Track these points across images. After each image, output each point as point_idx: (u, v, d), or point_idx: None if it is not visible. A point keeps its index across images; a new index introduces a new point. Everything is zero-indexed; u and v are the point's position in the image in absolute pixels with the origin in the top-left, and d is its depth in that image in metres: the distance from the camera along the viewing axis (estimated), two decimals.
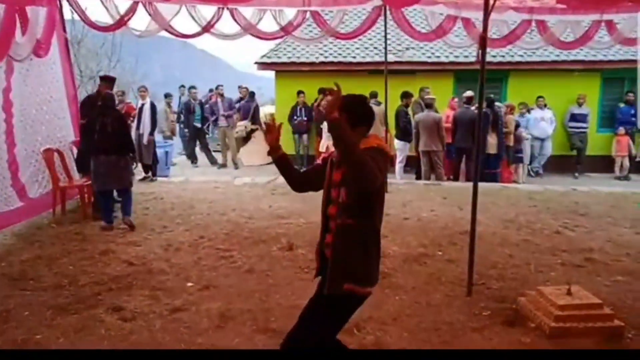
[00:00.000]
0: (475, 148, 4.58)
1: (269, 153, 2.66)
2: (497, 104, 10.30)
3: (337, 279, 2.42)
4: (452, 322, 3.77)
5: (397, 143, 10.34)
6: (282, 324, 3.68)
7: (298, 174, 2.72)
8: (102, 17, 7.70)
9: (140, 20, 7.75)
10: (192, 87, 13.07)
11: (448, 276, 4.70)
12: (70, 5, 7.25)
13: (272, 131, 2.62)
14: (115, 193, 6.49)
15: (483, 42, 4.32)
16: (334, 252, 2.45)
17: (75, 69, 9.14)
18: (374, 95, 10.51)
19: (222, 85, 13.15)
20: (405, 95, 10.36)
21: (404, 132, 10.24)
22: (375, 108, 10.45)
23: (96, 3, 7.22)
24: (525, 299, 3.98)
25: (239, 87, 13.73)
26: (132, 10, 7.39)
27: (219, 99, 12.55)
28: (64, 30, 7.82)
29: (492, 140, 9.82)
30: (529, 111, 11.27)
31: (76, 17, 7.85)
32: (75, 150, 7.38)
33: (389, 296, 4.25)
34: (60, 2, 7.28)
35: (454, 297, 4.23)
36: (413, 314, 3.92)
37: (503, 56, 11.60)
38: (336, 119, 2.16)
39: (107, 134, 6.03)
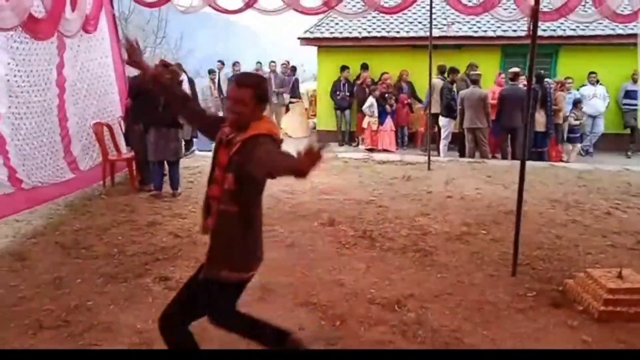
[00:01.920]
0: (525, 126, 4.42)
1: (147, 79, 2.54)
2: (546, 80, 9.92)
3: (215, 266, 2.38)
4: (496, 302, 3.72)
5: (441, 120, 10.17)
6: (323, 297, 3.73)
7: (195, 108, 2.65)
8: None
9: None
10: (236, 62, 13.19)
11: (492, 256, 4.62)
12: None
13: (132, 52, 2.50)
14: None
15: (535, 14, 4.13)
16: (214, 238, 2.39)
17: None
18: (442, 70, 10.37)
19: (274, 62, 13.27)
20: (451, 71, 10.18)
21: (448, 108, 10.04)
22: (439, 82, 10.33)
23: None
24: (572, 281, 3.88)
25: (282, 63, 13.75)
26: None
27: (271, 75, 12.64)
28: (112, 7, 7.96)
29: (540, 118, 9.50)
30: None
31: None
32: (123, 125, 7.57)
33: (431, 274, 4.22)
34: None
35: (498, 277, 4.16)
36: (455, 292, 3.88)
37: (554, 30, 11.10)
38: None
39: (170, 109, 6.24)
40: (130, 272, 4.22)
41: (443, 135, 10.24)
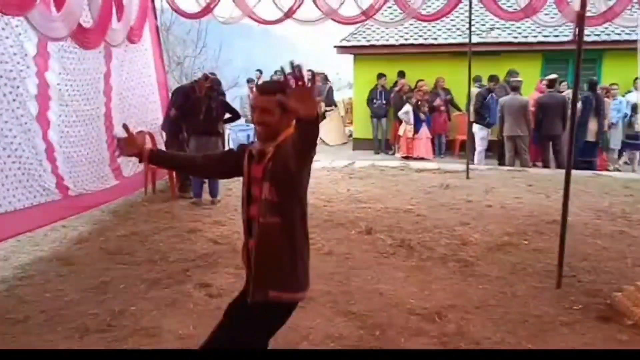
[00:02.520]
0: (571, 133, 4.28)
1: (140, 160, 2.37)
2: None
3: (262, 287, 2.13)
4: (541, 314, 3.61)
5: (474, 127, 9.90)
6: (362, 307, 3.71)
7: (194, 159, 2.51)
8: (189, 5, 7.99)
9: (225, 8, 7.96)
10: (276, 71, 13.32)
11: (535, 267, 4.50)
12: None
13: (131, 143, 2.32)
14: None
15: (581, 19, 4.03)
16: (257, 255, 2.14)
17: (165, 55, 9.54)
18: (478, 79, 10.25)
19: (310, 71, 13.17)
20: (491, 79, 9.95)
21: (478, 114, 9.83)
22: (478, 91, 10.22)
23: None
24: (621, 294, 3.73)
25: (318, 73, 13.82)
26: None
27: None
28: (155, 18, 8.19)
29: (592, 127, 9.20)
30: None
31: (165, 5, 8.22)
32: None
33: (472, 285, 4.13)
34: None
35: (542, 289, 4.04)
36: (498, 304, 3.79)
37: (598, 35, 10.79)
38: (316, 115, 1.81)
39: (212, 118, 6.57)
40: (171, 278, 4.30)
41: (477, 143, 10.05)
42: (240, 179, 2.30)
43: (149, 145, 2.46)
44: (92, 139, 6.18)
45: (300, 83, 1.74)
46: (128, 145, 2.32)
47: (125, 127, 2.35)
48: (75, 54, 5.79)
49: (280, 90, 2.09)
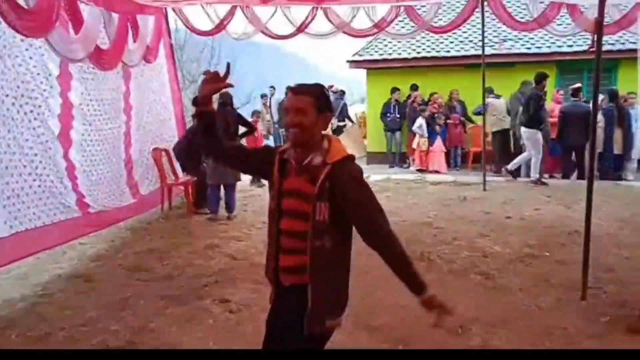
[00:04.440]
0: (592, 144, 4.23)
1: (199, 105, 2.19)
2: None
3: (320, 318, 2.01)
4: (567, 327, 3.52)
5: (527, 133, 8.91)
6: (384, 321, 3.66)
7: (225, 143, 2.27)
8: (201, 25, 8.10)
9: (238, 24, 8.05)
10: (289, 86, 13.39)
11: (558, 278, 4.41)
12: (175, 13, 7.71)
13: (215, 80, 2.15)
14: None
15: (599, 27, 3.99)
16: (314, 284, 2.00)
17: (179, 74, 9.66)
18: (490, 90, 10.17)
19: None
20: (541, 78, 8.98)
21: (535, 119, 8.79)
22: (495, 102, 10.09)
23: (197, 10, 7.64)
24: None
25: (329, 86, 13.85)
26: (230, 14, 7.72)
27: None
28: (170, 37, 8.31)
29: (617, 138, 9.05)
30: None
31: (179, 24, 8.35)
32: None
33: (495, 297, 4.06)
34: (166, 10, 7.74)
35: (567, 301, 3.95)
36: (522, 316, 3.71)
37: (613, 44, 10.71)
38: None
39: (230, 132, 6.55)
40: (190, 294, 4.28)
41: (531, 151, 8.92)
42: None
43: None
44: (112, 157, 6.26)
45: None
46: (215, 79, 2.16)
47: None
48: (96, 74, 5.90)
49: (317, 92, 2.02)
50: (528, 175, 9.15)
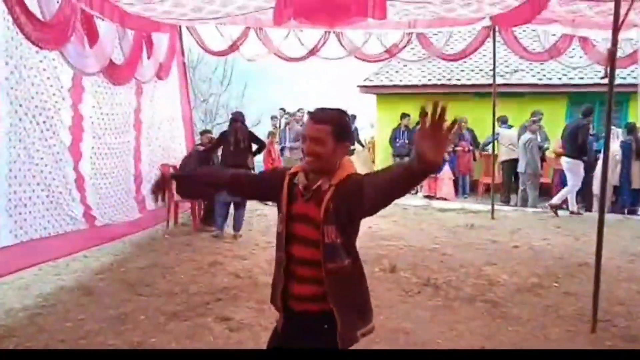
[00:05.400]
0: (603, 175, 4.17)
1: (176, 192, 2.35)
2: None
3: (351, 331, 2.01)
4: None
5: (569, 164, 8.61)
6: (386, 345, 3.59)
7: (224, 177, 2.30)
8: (215, 45, 8.21)
9: (251, 46, 8.14)
10: (300, 108, 13.40)
11: (567, 310, 4.31)
12: (189, 32, 7.82)
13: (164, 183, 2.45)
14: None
15: (612, 56, 3.99)
16: (337, 304, 1.97)
17: (191, 92, 9.75)
18: (504, 120, 10.18)
19: (302, 110, 11.97)
20: (587, 114, 8.82)
21: (582, 149, 8.56)
22: (506, 131, 10.09)
23: (211, 30, 7.75)
24: None
25: None
26: (244, 36, 7.82)
27: (287, 128, 11.91)
28: (183, 55, 8.41)
29: (635, 171, 8.87)
30: None
31: (192, 44, 8.45)
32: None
33: (501, 326, 3.97)
34: (180, 29, 7.86)
35: (576, 333, 3.86)
36: (530, 347, 3.62)
37: (624, 78, 10.70)
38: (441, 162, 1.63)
39: (241, 149, 6.66)
40: (192, 311, 4.23)
41: (573, 181, 8.56)
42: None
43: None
44: (121, 171, 6.29)
45: (439, 124, 1.56)
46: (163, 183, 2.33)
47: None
48: (109, 88, 5.97)
49: (336, 119, 1.95)
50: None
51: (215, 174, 2.57)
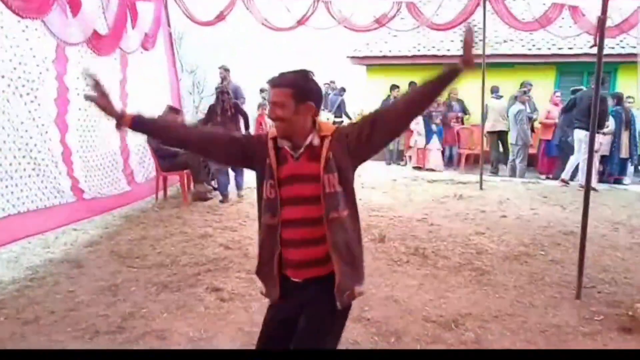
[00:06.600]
0: (590, 145, 4.20)
1: (120, 125, 2.20)
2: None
3: (349, 287, 2.01)
4: (560, 325, 3.51)
5: (584, 135, 7.91)
6: (376, 313, 3.64)
7: (189, 131, 2.23)
8: (202, 13, 8.04)
9: (239, 15, 7.98)
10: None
11: (553, 277, 4.39)
12: (175, 1, 7.64)
13: (101, 96, 2.19)
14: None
15: (602, 24, 3.97)
16: (337, 252, 1.98)
17: (178, 63, 9.59)
18: (495, 90, 10.15)
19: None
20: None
21: (602, 119, 8.03)
22: (495, 102, 10.08)
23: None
24: None
25: (330, 81, 13.80)
26: (231, 4, 7.66)
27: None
28: (169, 25, 8.24)
29: (624, 141, 9.02)
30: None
31: (179, 14, 8.27)
32: None
33: (489, 294, 4.04)
34: None
35: (561, 299, 3.94)
36: (515, 313, 3.69)
37: (612, 47, 10.70)
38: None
39: (228, 117, 6.89)
40: (182, 281, 4.25)
41: (583, 154, 7.95)
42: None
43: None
44: (108, 144, 6.21)
45: (470, 41, 1.99)
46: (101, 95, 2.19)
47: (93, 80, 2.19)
48: (93, 59, 5.82)
49: (292, 82, 1.97)
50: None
51: (180, 127, 2.46)
